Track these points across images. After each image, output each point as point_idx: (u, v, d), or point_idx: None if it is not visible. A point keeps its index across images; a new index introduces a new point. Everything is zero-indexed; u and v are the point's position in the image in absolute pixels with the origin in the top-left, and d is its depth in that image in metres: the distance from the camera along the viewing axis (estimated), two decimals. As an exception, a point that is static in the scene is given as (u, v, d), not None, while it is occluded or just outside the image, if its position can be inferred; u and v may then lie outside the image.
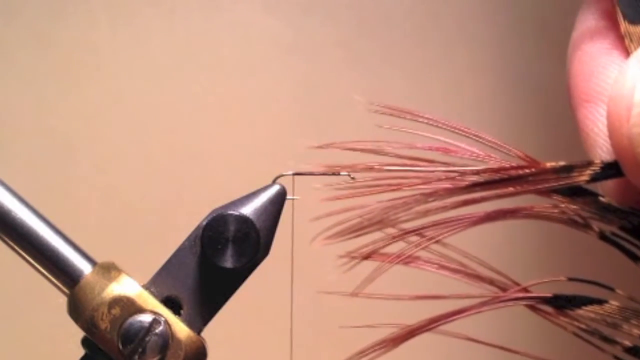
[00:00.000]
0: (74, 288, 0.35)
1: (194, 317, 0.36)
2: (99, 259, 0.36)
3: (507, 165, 0.34)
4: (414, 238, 0.35)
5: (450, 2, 0.73)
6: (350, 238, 0.34)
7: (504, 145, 0.34)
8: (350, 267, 0.35)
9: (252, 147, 0.72)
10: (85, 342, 0.36)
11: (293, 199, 0.38)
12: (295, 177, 0.38)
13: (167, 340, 0.35)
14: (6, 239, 0.35)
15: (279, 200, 0.37)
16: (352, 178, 0.36)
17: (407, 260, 0.36)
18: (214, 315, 0.37)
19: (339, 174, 0.38)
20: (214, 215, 0.36)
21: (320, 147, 0.35)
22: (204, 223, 0.36)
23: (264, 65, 0.72)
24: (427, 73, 0.73)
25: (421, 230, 0.35)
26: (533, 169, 0.34)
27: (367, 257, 0.36)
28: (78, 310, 0.35)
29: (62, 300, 0.36)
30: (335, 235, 0.34)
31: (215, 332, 0.37)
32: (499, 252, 0.73)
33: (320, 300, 0.71)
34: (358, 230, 0.34)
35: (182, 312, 0.36)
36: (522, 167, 0.34)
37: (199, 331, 0.36)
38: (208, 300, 0.37)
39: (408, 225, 0.35)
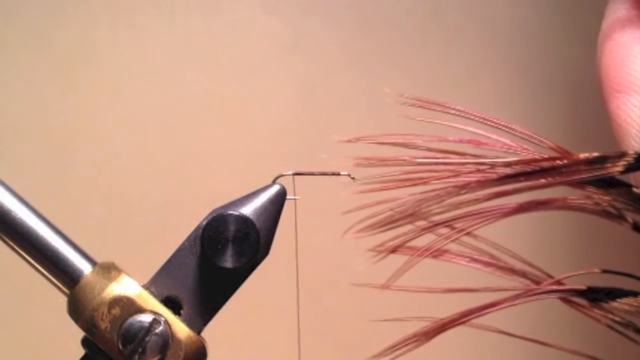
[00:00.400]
0: (74, 288, 0.35)
1: (194, 317, 0.36)
2: (99, 259, 0.36)
3: (539, 157, 0.33)
4: (444, 230, 0.34)
5: (451, 2, 0.73)
6: (382, 231, 0.34)
7: (536, 137, 0.34)
8: (378, 259, 0.34)
9: (252, 147, 0.72)
10: (85, 342, 0.36)
11: (295, 199, 0.38)
12: (296, 177, 0.38)
13: (167, 340, 0.35)
14: (6, 239, 0.35)
15: (279, 200, 0.37)
16: (353, 178, 0.36)
17: (437, 253, 0.35)
18: (214, 315, 0.37)
19: (339, 174, 0.37)
20: (214, 215, 0.36)
21: (350, 141, 0.35)
22: (204, 223, 0.36)
23: (264, 65, 0.72)
24: (428, 73, 0.73)
25: (451, 222, 0.34)
26: (566, 161, 0.33)
27: (395, 250, 0.35)
28: (78, 310, 0.35)
29: (62, 300, 0.36)
30: (367, 228, 0.34)
31: (215, 332, 0.37)
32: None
33: (320, 299, 0.71)
34: (390, 223, 0.33)
35: (182, 312, 0.36)
36: (554, 159, 0.33)
37: (199, 331, 0.36)
38: (208, 300, 0.36)
39: (438, 218, 0.34)
